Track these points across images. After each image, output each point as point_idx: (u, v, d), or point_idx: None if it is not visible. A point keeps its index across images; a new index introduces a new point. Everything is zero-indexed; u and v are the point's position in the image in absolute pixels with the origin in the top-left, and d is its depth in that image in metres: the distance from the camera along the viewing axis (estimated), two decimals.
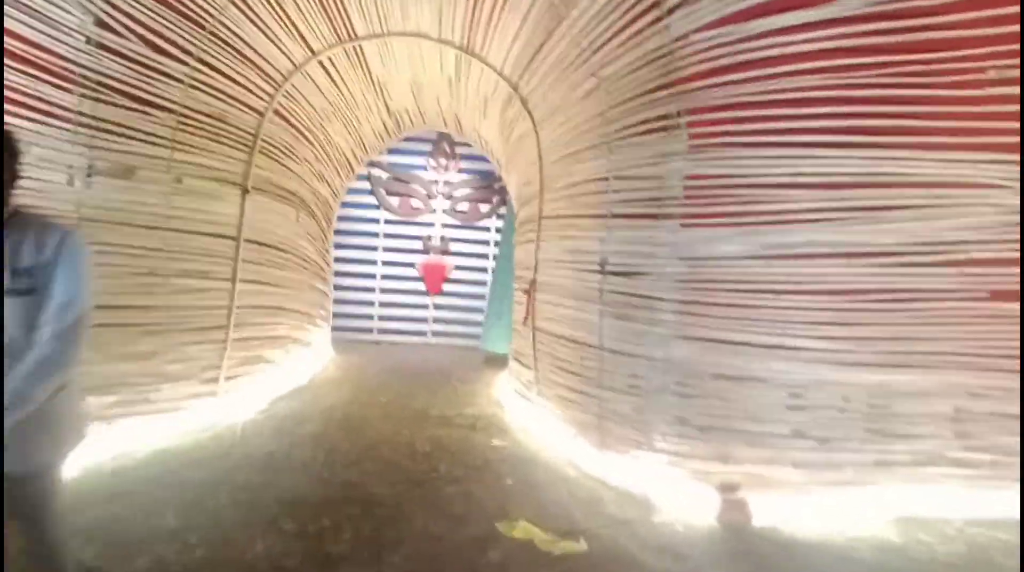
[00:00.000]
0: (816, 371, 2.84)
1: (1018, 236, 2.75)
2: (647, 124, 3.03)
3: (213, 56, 3.30)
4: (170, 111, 3.18)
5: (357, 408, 4.29)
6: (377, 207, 6.88)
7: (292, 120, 4.09)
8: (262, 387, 4.18)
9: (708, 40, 2.78)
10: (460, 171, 6.93)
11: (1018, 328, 2.81)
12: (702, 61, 2.82)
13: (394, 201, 6.86)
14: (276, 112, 3.87)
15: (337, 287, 6.79)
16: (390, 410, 4.32)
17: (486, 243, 7.03)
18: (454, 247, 7.00)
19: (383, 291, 6.99)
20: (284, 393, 4.46)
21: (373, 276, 6.96)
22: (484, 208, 6.97)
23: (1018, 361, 2.82)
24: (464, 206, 6.96)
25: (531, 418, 3.99)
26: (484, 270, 7.04)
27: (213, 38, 3.25)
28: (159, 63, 3.07)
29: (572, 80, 3.42)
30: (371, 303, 6.99)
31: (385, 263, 6.97)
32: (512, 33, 3.59)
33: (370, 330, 7.01)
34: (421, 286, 7.00)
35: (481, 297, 7.06)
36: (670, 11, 2.83)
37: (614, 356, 3.22)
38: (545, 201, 3.92)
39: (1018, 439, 2.80)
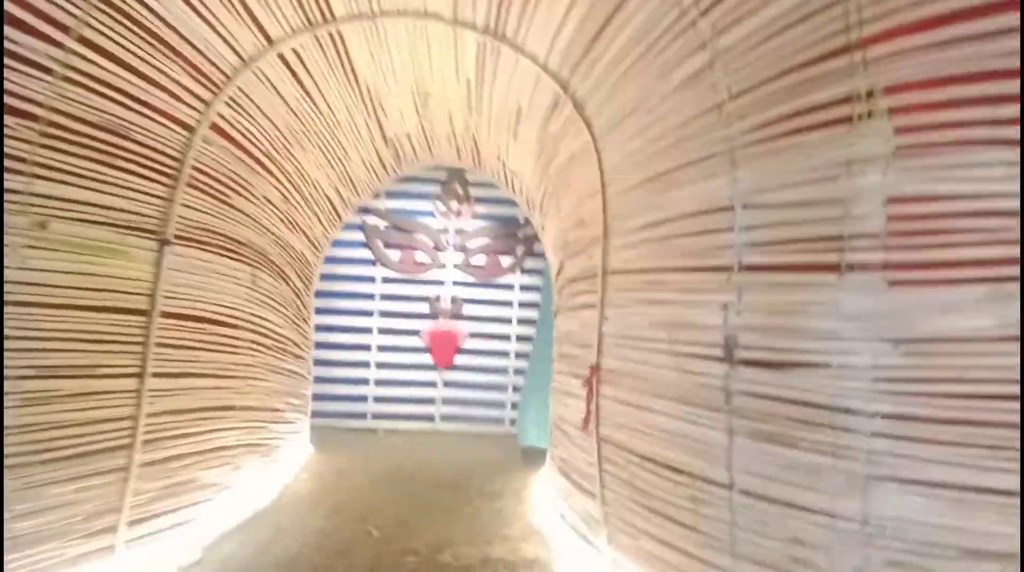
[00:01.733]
0: None
1: None
2: (810, 116, 1.86)
3: (106, 35, 2.19)
4: (29, 116, 2.03)
5: (334, 552, 3.00)
6: (373, 262, 5.74)
7: (243, 141, 2.96)
8: (196, 525, 2.91)
9: None
10: (475, 217, 5.81)
11: None
12: (912, 5, 1.69)
13: (394, 255, 5.72)
14: (216, 128, 2.73)
15: (321, 363, 5.58)
16: (384, 553, 3.02)
17: (508, 304, 5.83)
18: (468, 310, 5.80)
19: (380, 366, 5.76)
20: (231, 528, 3.18)
21: (368, 348, 5.74)
22: (506, 261, 5.81)
23: None
24: (481, 259, 5.80)
25: None
26: (506, 337, 5.81)
27: (107, 7, 2.15)
28: (9, 40, 1.95)
29: (662, 62, 2.28)
30: (365, 381, 5.74)
31: (383, 331, 5.75)
32: (563, 3, 2.49)
33: (364, 415, 5.74)
34: (427, 359, 5.78)
35: (502, 371, 5.83)
36: None
37: (757, 504, 1.96)
38: (612, 249, 2.74)
39: None
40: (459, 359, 5.79)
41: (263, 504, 3.57)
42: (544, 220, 3.94)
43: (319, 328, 5.60)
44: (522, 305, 5.80)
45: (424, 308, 5.76)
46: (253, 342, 3.43)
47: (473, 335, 5.79)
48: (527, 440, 4.82)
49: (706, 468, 2.11)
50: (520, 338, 5.79)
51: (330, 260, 5.57)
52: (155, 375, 2.51)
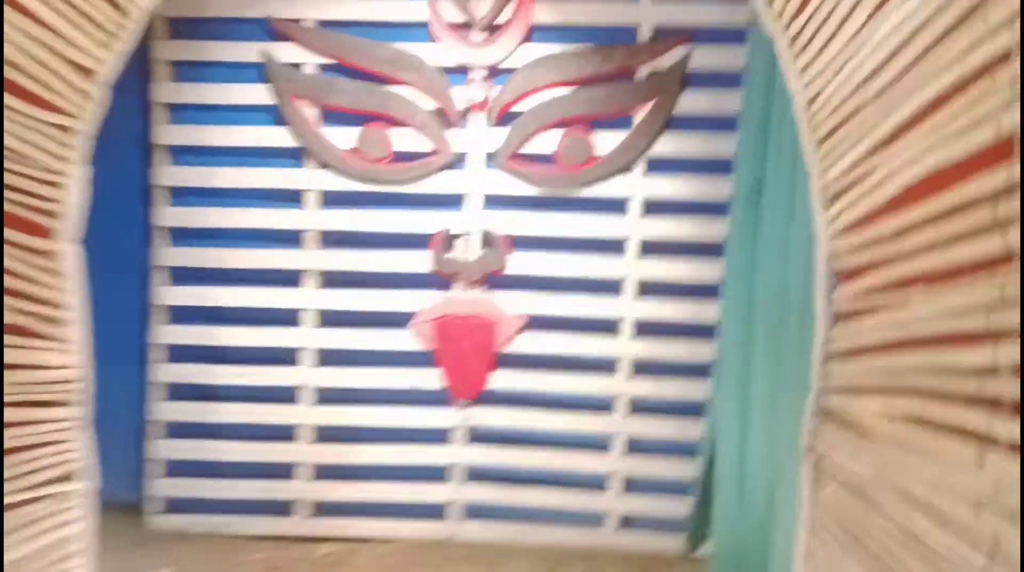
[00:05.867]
0: None
1: None
2: None
3: None
4: None
5: None
6: (296, 157, 2.62)
7: None
8: None
9: None
10: (530, 37, 2.57)
11: None
12: None
13: (340, 137, 2.58)
14: None
15: (188, 395, 2.60)
16: None
17: (616, 247, 2.63)
18: (521, 264, 2.64)
19: (325, 398, 2.69)
20: None
21: (291, 357, 2.67)
22: (607, 144, 2.58)
23: None
24: (546, 142, 2.58)
25: None
26: (610, 327, 2.64)
27: None
28: None
29: None
30: (287, 433, 2.69)
31: (330, 321, 2.67)
32: None
33: (285, 507, 2.70)
34: (431, 379, 2.68)
35: (602, 405, 2.68)
36: None
37: None
38: None
39: None
40: (500, 378, 2.67)
41: None
42: None
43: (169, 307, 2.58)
44: (649, 249, 2.60)
45: (421, 262, 2.63)
46: None
47: (532, 322, 2.64)
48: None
49: None
50: (644, 328, 2.62)
51: (183, 153, 2.54)
52: None
